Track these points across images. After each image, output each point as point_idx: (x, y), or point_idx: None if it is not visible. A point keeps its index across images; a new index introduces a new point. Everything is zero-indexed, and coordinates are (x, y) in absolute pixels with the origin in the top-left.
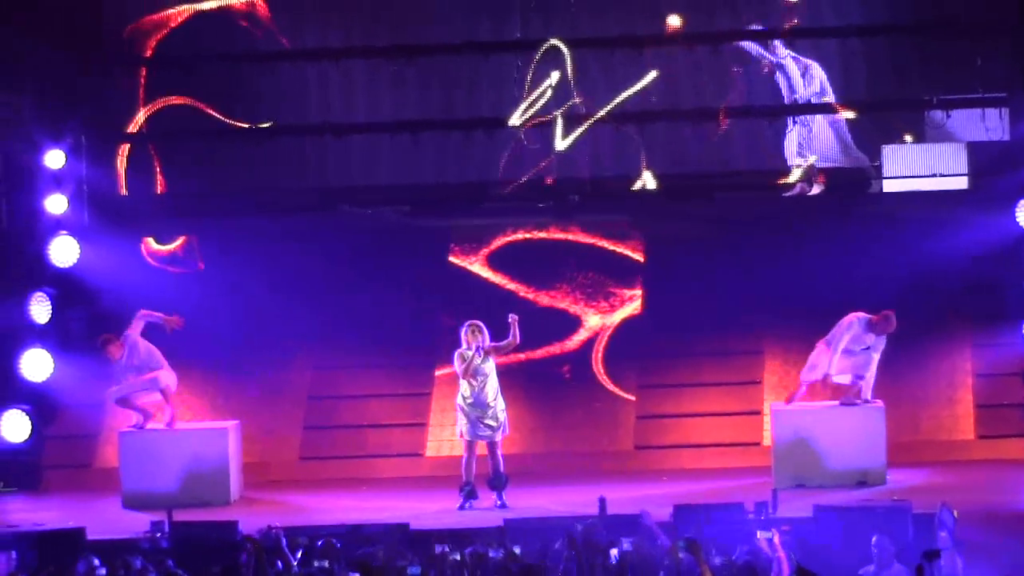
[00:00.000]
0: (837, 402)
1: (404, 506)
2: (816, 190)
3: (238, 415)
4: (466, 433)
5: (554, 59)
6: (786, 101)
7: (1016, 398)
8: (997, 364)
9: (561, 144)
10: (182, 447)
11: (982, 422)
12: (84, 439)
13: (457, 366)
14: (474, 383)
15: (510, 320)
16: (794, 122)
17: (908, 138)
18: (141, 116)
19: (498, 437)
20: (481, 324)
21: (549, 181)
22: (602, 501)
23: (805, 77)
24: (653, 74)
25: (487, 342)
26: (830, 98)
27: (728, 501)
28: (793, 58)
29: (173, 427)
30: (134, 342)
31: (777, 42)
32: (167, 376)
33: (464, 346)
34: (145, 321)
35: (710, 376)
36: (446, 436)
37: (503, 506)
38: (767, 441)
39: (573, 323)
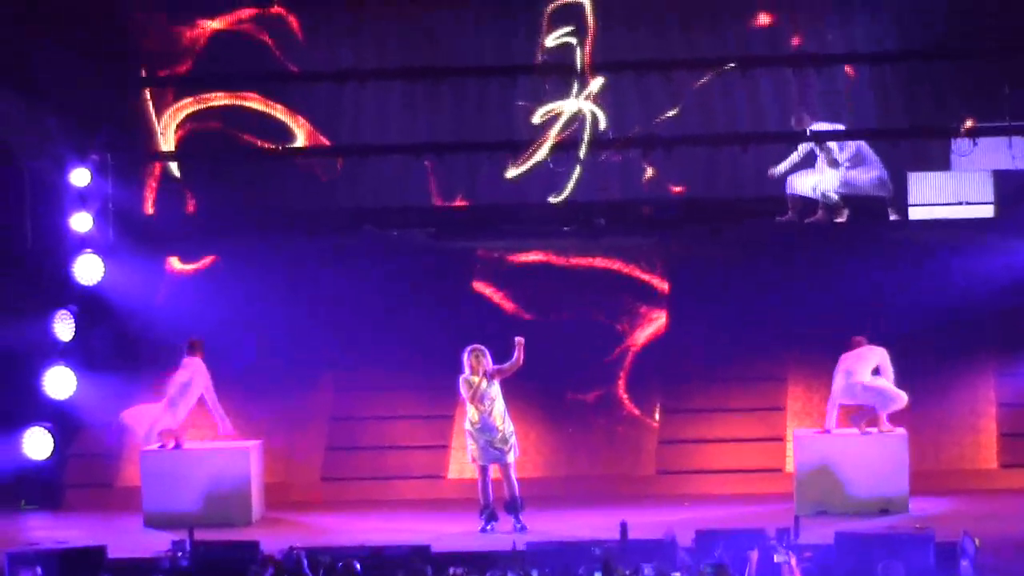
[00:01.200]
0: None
1: (425, 528)
2: (842, 217)
3: (260, 435)
4: (478, 458)
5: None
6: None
7: None
8: (1021, 393)
9: (566, 190)
10: (203, 467)
11: (1005, 451)
12: (106, 458)
13: (464, 392)
14: (481, 408)
15: (516, 342)
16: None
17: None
18: (170, 136)
19: (509, 459)
20: (483, 348)
21: (575, 204)
22: (623, 526)
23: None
24: (732, 67)
25: (491, 365)
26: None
27: (750, 527)
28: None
29: (182, 446)
30: (187, 385)
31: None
32: (170, 420)
33: (467, 371)
34: (213, 408)
35: (733, 402)
36: (468, 458)
37: (522, 529)
38: (789, 468)
39: (596, 347)
